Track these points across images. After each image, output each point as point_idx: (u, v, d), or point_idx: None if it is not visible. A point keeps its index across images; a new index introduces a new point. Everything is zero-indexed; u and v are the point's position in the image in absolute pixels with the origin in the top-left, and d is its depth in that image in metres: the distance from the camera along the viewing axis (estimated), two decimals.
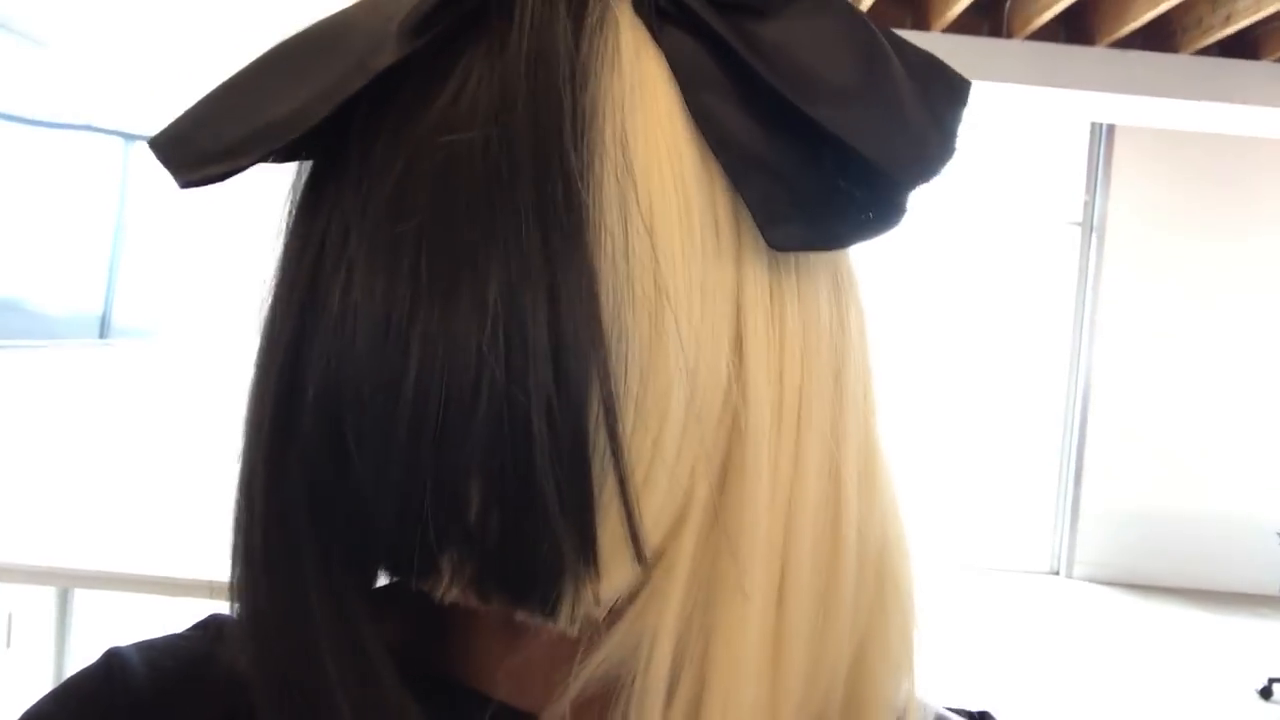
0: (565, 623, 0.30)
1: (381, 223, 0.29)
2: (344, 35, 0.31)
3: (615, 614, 0.31)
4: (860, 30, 0.32)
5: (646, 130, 0.30)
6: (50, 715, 0.37)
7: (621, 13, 0.31)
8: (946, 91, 0.33)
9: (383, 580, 0.34)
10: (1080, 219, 5.81)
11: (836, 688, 0.33)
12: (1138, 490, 5.70)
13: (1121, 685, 4.12)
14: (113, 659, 0.38)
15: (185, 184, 0.31)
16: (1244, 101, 4.52)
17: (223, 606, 0.39)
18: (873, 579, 0.33)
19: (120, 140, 3.24)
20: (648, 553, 0.30)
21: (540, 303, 0.27)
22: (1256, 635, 4.93)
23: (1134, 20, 4.11)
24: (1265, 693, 4.03)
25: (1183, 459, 5.68)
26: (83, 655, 2.33)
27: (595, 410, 0.28)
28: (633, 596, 0.31)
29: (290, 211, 0.33)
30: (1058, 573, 5.82)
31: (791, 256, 0.32)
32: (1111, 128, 5.65)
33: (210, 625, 0.40)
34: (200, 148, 0.31)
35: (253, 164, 0.30)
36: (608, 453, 0.28)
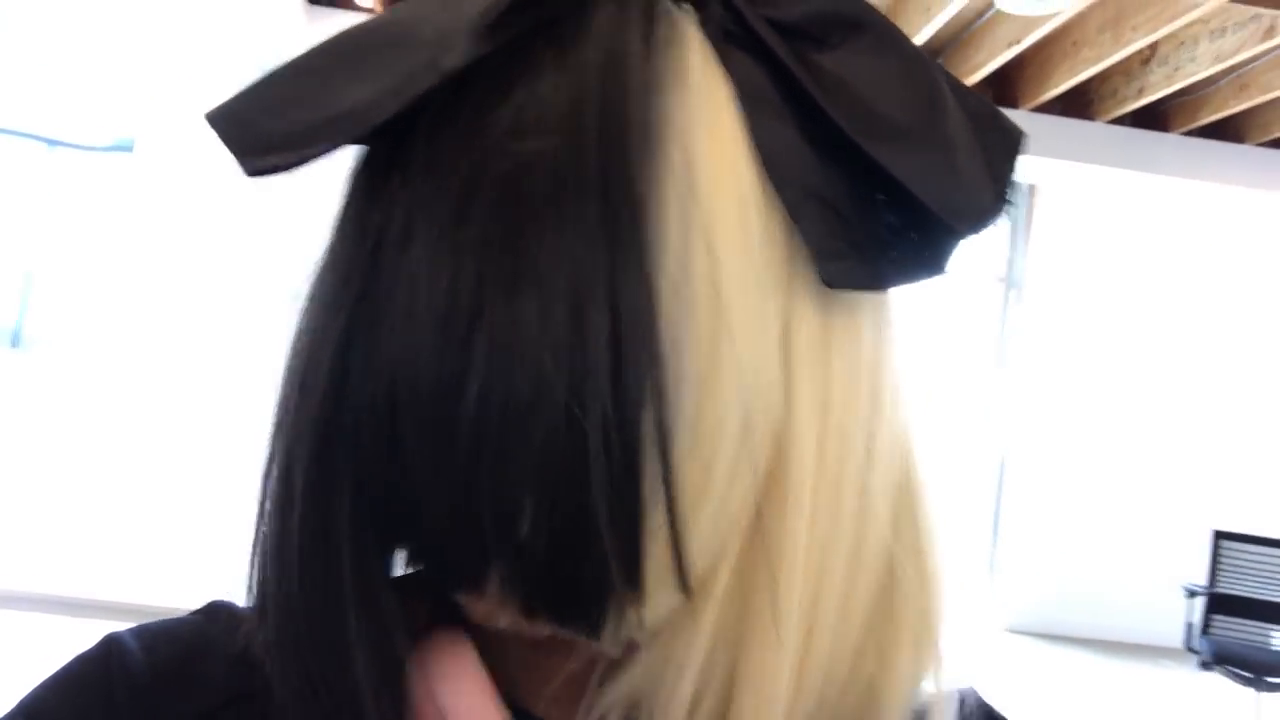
0: (608, 643, 0.30)
1: (447, 226, 0.28)
2: (414, 29, 0.30)
3: (650, 636, 0.31)
4: (920, 71, 0.32)
5: (711, 150, 0.30)
6: (48, 701, 0.36)
7: (689, 30, 0.31)
8: (1002, 141, 0.32)
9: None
10: (1003, 275, 6.01)
11: (833, 693, 0.33)
12: (1052, 545, 5.84)
13: None
14: (111, 644, 0.37)
15: (253, 171, 0.30)
16: (1153, 171, 4.75)
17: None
18: (882, 596, 0.33)
19: (43, 146, 3.16)
20: (693, 579, 0.29)
21: (602, 316, 0.27)
22: (1158, 686, 5.06)
23: (1055, 87, 4.30)
24: None
25: (1095, 515, 5.84)
26: None
27: (649, 430, 0.27)
28: (669, 620, 0.30)
29: (346, 203, 0.32)
30: (976, 622, 5.91)
31: (841, 292, 0.31)
32: (1033, 188, 5.87)
33: (214, 611, 0.40)
34: (265, 133, 0.30)
35: (321, 155, 0.29)
36: (659, 476, 0.28)
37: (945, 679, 0.35)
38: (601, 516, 0.27)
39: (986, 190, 0.31)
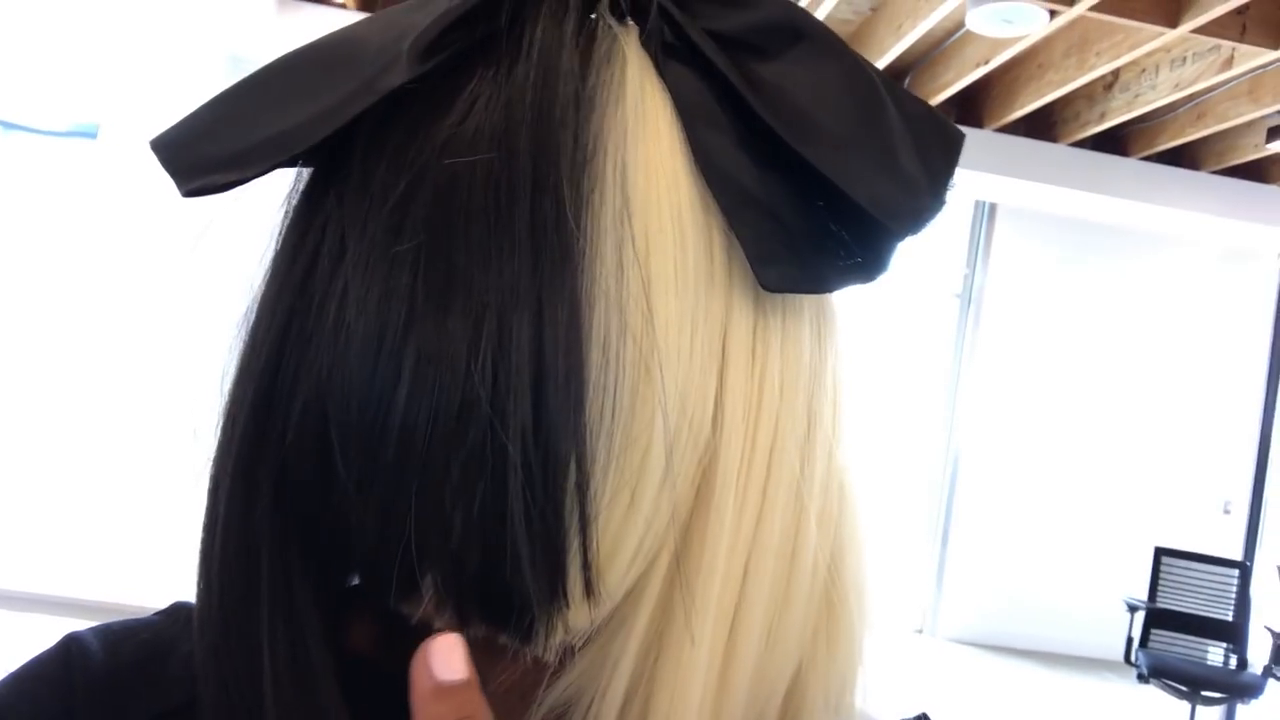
0: (540, 649, 0.30)
1: (380, 241, 0.29)
2: (355, 52, 0.31)
3: (589, 639, 0.31)
4: (859, 77, 0.32)
5: (647, 163, 0.30)
6: (6, 698, 0.36)
7: (629, 45, 0.31)
8: (941, 143, 0.33)
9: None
10: (960, 291, 6.09)
11: (775, 702, 0.33)
12: (999, 556, 5.93)
13: None
14: (71, 644, 0.37)
15: (188, 192, 0.30)
16: (1112, 194, 4.84)
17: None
18: (820, 602, 0.33)
19: None
20: (621, 589, 0.30)
21: (527, 331, 0.27)
22: (1098, 698, 5.17)
23: (1020, 108, 4.37)
24: None
25: (1041, 530, 5.94)
26: None
27: (568, 446, 0.28)
28: (607, 622, 0.31)
29: (285, 217, 0.32)
30: (922, 632, 5.98)
31: (779, 297, 0.32)
32: (993, 207, 5.96)
33: (176, 612, 0.40)
34: (204, 155, 0.30)
35: (257, 176, 0.30)
36: (575, 493, 0.28)
37: (869, 690, 0.35)
38: (520, 532, 0.27)
39: (923, 191, 0.32)
